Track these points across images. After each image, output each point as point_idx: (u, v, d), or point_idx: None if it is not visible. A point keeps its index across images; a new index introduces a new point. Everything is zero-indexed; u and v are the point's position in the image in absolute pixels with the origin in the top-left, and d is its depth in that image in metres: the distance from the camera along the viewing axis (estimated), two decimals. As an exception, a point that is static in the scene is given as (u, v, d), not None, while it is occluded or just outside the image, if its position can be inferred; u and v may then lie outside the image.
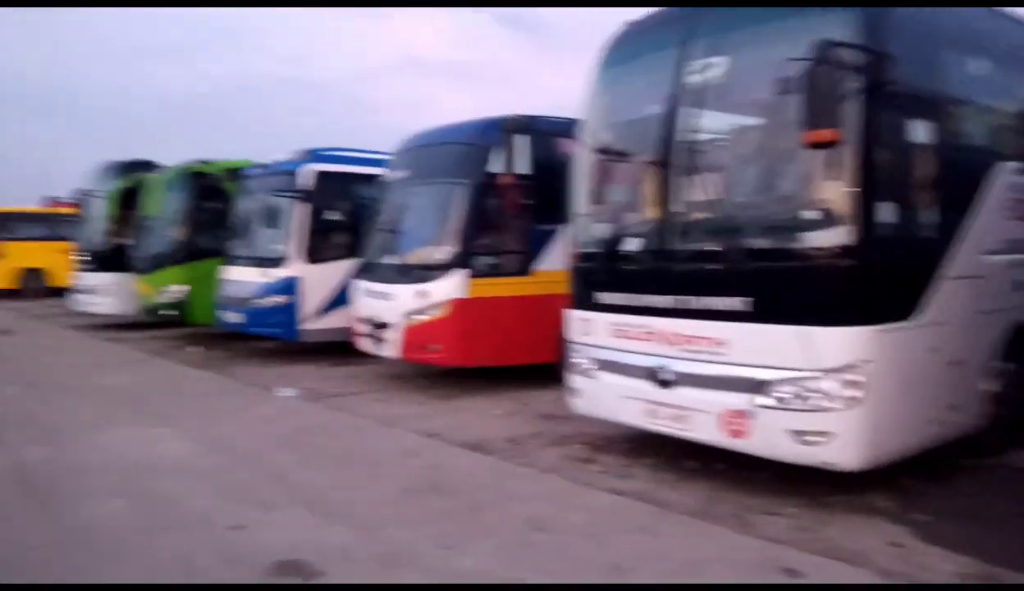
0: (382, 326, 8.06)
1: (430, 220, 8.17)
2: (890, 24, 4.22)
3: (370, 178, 9.50)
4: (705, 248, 4.67)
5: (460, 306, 7.43)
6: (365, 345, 8.52)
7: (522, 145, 7.20)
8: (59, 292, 19.28)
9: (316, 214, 9.88)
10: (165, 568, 3.66)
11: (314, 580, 3.55)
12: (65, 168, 37.18)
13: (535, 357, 7.82)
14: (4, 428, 6.56)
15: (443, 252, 7.61)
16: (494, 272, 7.69)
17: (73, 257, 16.03)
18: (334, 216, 10.04)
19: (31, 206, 24.98)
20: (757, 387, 4.28)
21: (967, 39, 5.03)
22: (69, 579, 3.57)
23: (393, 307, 7.88)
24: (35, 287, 24.05)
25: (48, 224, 23.42)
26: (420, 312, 7.60)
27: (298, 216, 9.78)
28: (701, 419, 4.58)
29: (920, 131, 4.44)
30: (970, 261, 4.60)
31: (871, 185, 4.06)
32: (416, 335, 7.68)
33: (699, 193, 4.79)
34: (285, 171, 10.17)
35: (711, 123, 4.90)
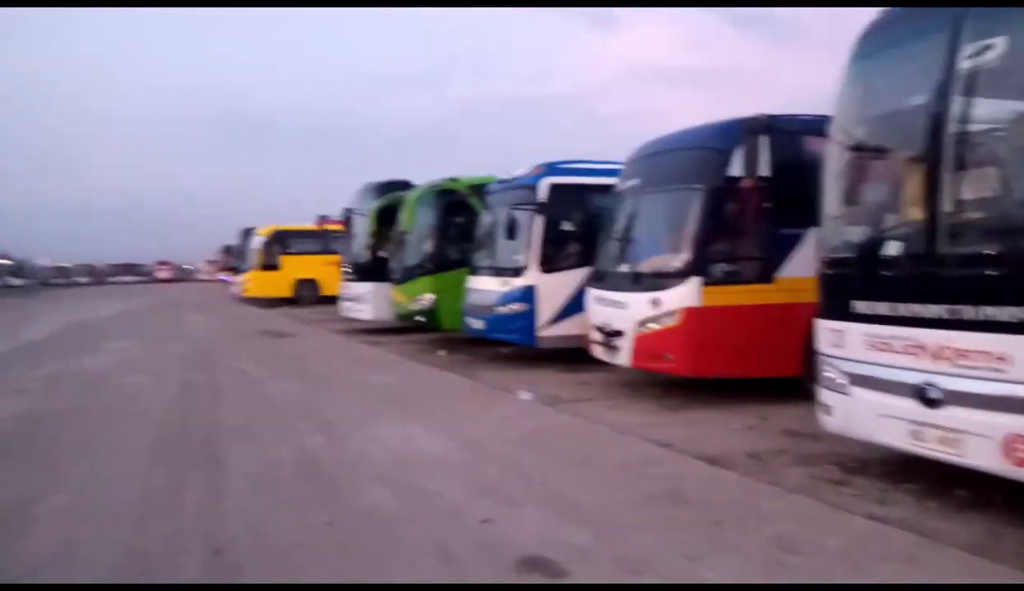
0: (615, 334, 8.13)
1: (663, 227, 8.12)
2: None
3: (603, 188, 9.65)
4: (984, 251, 4.16)
5: (694, 315, 7.27)
6: (598, 352, 8.64)
7: (763, 146, 6.90)
8: (328, 300, 21.74)
9: (552, 225, 10.23)
10: (426, 555, 3.99)
11: (558, 579, 3.67)
12: (336, 190, 42.12)
13: (776, 370, 7.43)
14: (291, 419, 7.54)
15: (676, 260, 7.50)
16: (731, 280, 7.44)
17: (340, 269, 18.06)
18: (568, 226, 10.34)
19: (306, 225, 28.47)
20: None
21: None
22: (344, 561, 4.02)
23: (625, 315, 7.92)
24: (308, 296, 27.41)
25: (319, 240, 26.52)
26: (652, 321, 7.56)
27: (535, 228, 10.19)
28: (977, 443, 4.07)
29: None
30: None
31: None
32: (648, 344, 7.64)
33: (975, 189, 4.28)
34: (523, 185, 10.65)
35: (985, 112, 4.36)
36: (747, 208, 7.24)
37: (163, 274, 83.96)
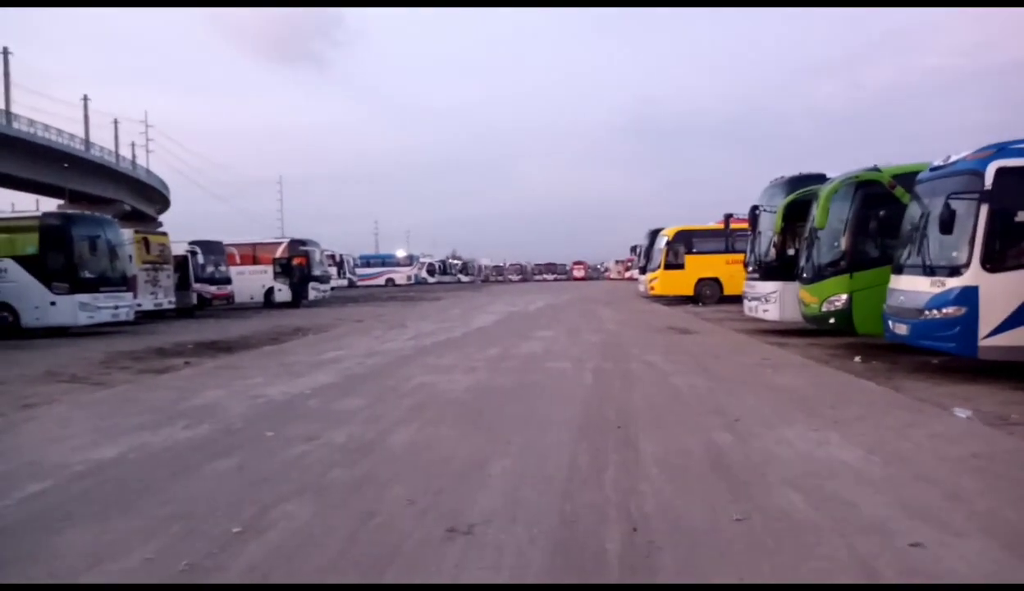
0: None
1: None
2: None
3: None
4: None
5: None
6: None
7: None
8: (730, 300, 21.61)
9: (1001, 216, 8.76)
10: (844, 568, 3.77)
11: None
12: (748, 188, 41.70)
13: None
14: (697, 412, 7.71)
15: None
16: None
17: (744, 268, 17.80)
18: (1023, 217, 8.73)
19: (713, 224, 28.68)
20: None
21: None
22: (756, 558, 4.00)
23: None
24: (710, 294, 27.60)
25: (723, 239, 26.49)
26: None
27: (979, 219, 8.82)
28: None
29: None
30: None
31: None
32: None
33: None
34: (964, 171, 9.30)
35: None
36: None
37: (578, 273, 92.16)
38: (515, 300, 35.14)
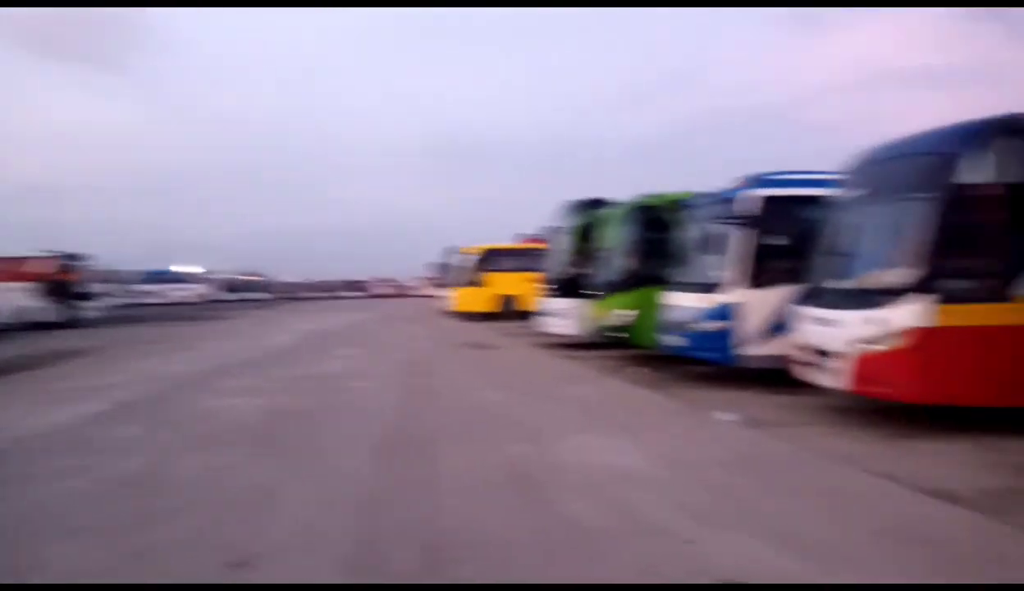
0: (826, 355, 7.66)
1: (887, 240, 7.55)
2: None
3: (816, 200, 9.16)
4: None
5: (924, 335, 6.68)
6: (805, 374, 8.18)
7: (1011, 149, 6.19)
8: (528, 315, 22.44)
9: (757, 239, 9.87)
10: (627, 569, 4.02)
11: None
12: (539, 209, 43.45)
13: (1018, 399, 6.63)
14: (500, 426, 7.89)
15: (904, 274, 6.93)
16: (967, 297, 6.74)
17: (540, 285, 18.60)
18: (776, 240, 9.92)
19: (508, 243, 29.66)
20: None
21: None
22: (549, 566, 4.15)
23: (840, 335, 7.43)
24: (510, 311, 28.45)
25: (522, 258, 27.48)
26: (873, 341, 7.03)
27: (738, 242, 9.88)
28: None
29: None
30: None
31: None
32: (867, 366, 7.12)
33: None
34: (728, 198, 10.38)
35: None
36: (987, 218, 6.56)
37: (381, 290, 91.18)
38: (318, 318, 34.02)
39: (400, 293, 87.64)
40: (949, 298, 6.68)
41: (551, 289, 17.31)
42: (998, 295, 6.70)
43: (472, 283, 29.14)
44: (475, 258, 29.40)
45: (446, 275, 34.05)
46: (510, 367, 13.53)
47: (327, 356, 15.82)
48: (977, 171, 6.45)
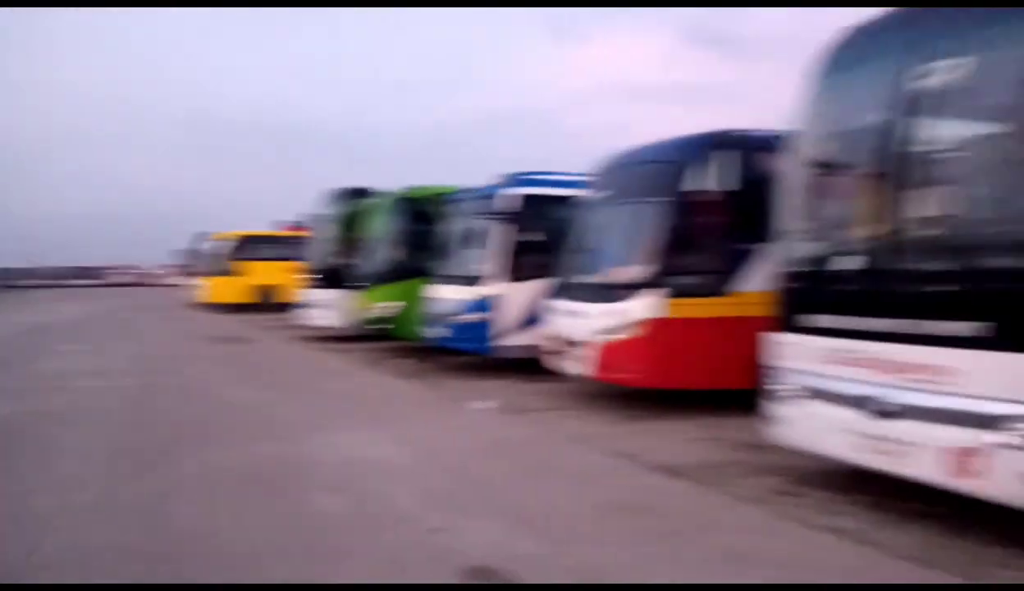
0: (574, 344, 8.14)
1: (626, 239, 8.16)
2: None
3: (569, 200, 9.70)
4: (936, 267, 4.24)
5: (655, 326, 7.32)
6: (555, 363, 8.64)
7: (724, 161, 6.99)
8: (287, 307, 21.45)
9: (516, 235, 10.23)
10: (373, 562, 3.91)
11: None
12: (302, 195, 41.47)
13: (732, 382, 7.50)
14: (247, 424, 7.39)
15: (638, 271, 7.54)
16: (691, 292, 7.50)
17: (299, 275, 17.85)
18: (533, 236, 10.33)
19: (268, 229, 28.13)
20: (993, 423, 3.79)
21: None
22: (286, 566, 3.92)
23: (585, 325, 7.93)
24: (268, 302, 26.98)
25: (282, 246, 26.18)
26: (613, 332, 7.58)
27: (498, 237, 10.18)
28: (922, 455, 4.13)
29: None
30: None
31: None
32: (608, 354, 7.66)
33: (930, 207, 4.38)
34: (488, 195, 10.65)
35: (943, 131, 4.48)
36: (707, 222, 7.32)
37: (123, 278, 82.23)
38: (44, 308, 29.79)
39: (142, 282, 79.83)
40: (677, 293, 7.38)
41: (313, 280, 16.66)
42: (717, 290, 7.53)
43: (226, 272, 27.20)
44: (230, 245, 27.46)
45: (196, 263, 31.50)
46: (265, 362, 12.83)
47: (51, 353, 13.90)
48: (698, 180, 7.19)
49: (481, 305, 10.24)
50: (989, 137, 4.56)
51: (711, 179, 6.81)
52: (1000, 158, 4.38)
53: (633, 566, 3.84)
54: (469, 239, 10.70)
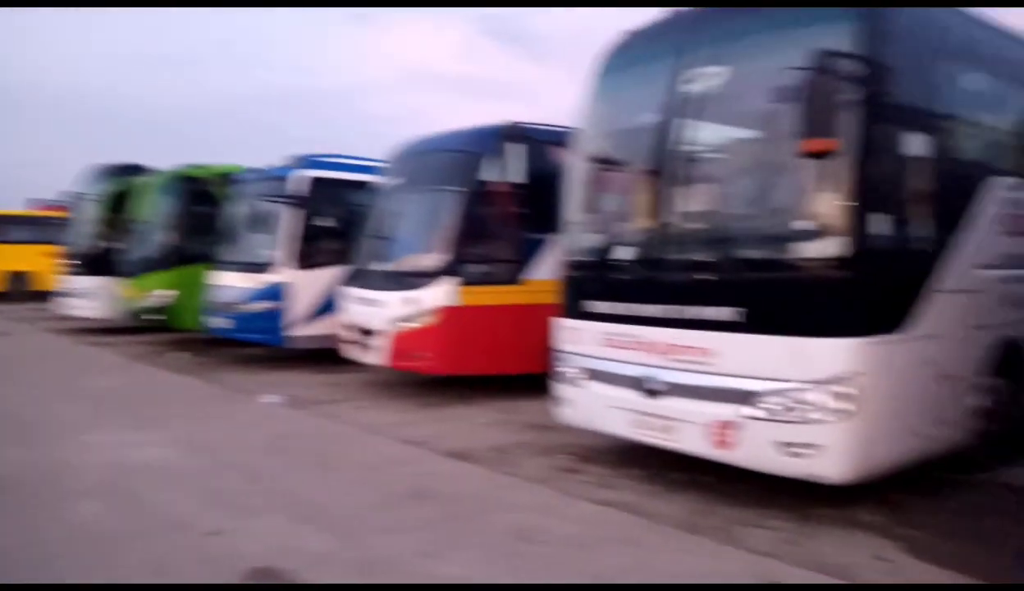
0: (369, 333, 7.99)
1: (421, 227, 8.14)
2: (889, 34, 4.21)
3: (363, 185, 9.48)
4: (697, 258, 4.63)
5: (449, 314, 7.37)
6: (351, 352, 8.44)
7: (517, 153, 7.16)
8: (45, 295, 19.09)
9: (306, 220, 9.81)
10: (136, 573, 3.56)
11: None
12: (55, 171, 36.83)
13: (524, 367, 7.75)
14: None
15: (433, 259, 7.55)
16: (484, 280, 7.64)
17: (59, 260, 15.88)
18: (325, 222, 9.98)
19: (16, 209, 24.80)
20: (746, 398, 4.23)
21: (964, 52, 5.02)
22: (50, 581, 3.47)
23: (381, 314, 7.82)
24: (21, 290, 23.85)
25: (36, 227, 23.21)
26: (408, 319, 7.54)
27: (288, 221, 9.72)
28: (688, 430, 4.52)
29: (915, 144, 4.43)
30: (963, 275, 4.58)
31: (866, 197, 4.03)
32: (404, 343, 7.61)
33: (693, 203, 4.77)
34: (278, 176, 10.11)
35: (707, 133, 4.89)
36: (500, 211, 7.48)
37: None
38: None
39: None
40: (470, 281, 7.48)
41: (75, 265, 14.88)
42: (509, 279, 7.72)
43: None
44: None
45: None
46: (20, 357, 11.30)
47: None
48: (491, 170, 7.32)
49: (270, 293, 9.73)
50: (743, 140, 5.08)
51: (503, 170, 6.94)
52: (750, 160, 4.89)
53: (419, 553, 3.82)
54: (256, 223, 10.11)
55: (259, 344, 10.41)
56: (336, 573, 3.61)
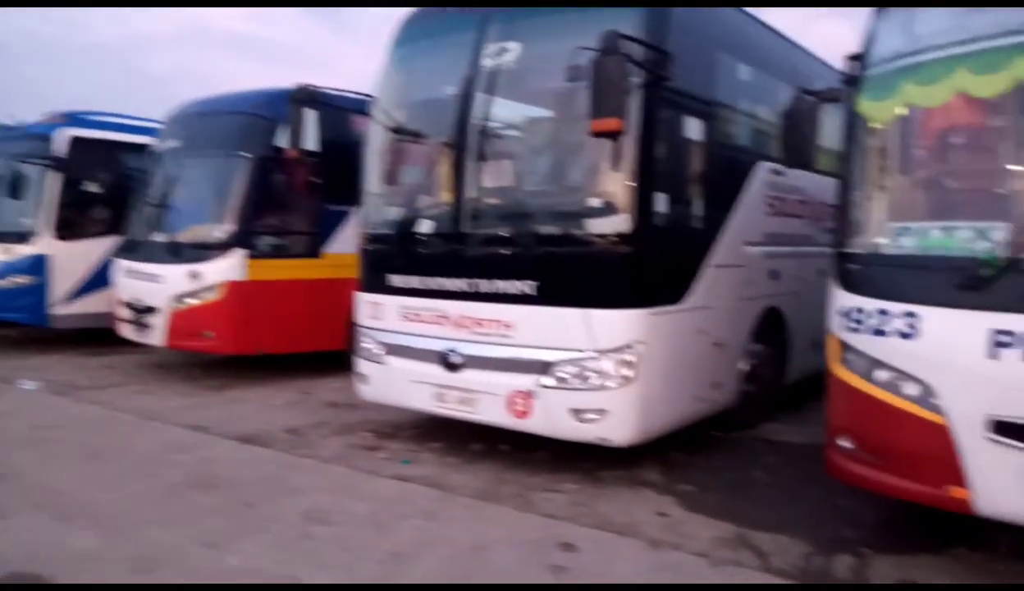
0: (147, 310, 7.30)
1: (206, 195, 7.54)
2: (675, 24, 4.44)
3: (139, 148, 8.59)
4: (493, 232, 4.65)
5: (237, 289, 6.90)
6: (126, 331, 7.68)
7: (312, 120, 6.76)
8: None
9: (71, 185, 8.73)
10: None
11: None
12: None
13: (322, 344, 7.47)
14: None
15: (219, 230, 7.03)
16: (277, 253, 7.25)
17: None
18: (93, 188, 8.93)
19: None
20: (542, 368, 4.34)
21: (740, 47, 5.44)
22: None
23: (160, 290, 7.17)
24: None
25: None
26: (191, 295, 6.98)
27: (47, 186, 8.59)
28: (488, 401, 4.57)
29: (693, 128, 4.73)
30: (732, 251, 5.01)
31: (648, 177, 4.25)
32: (186, 320, 7.03)
33: (489, 178, 4.78)
34: (34, 135, 8.90)
35: (503, 109, 4.89)
36: (295, 181, 7.11)
37: None
38: None
39: None
40: (260, 254, 7.04)
41: None
42: (305, 252, 7.36)
43: None
44: None
45: None
46: None
47: None
48: (282, 136, 6.83)
49: (27, 266, 8.58)
50: (538, 118, 5.18)
51: (297, 136, 6.50)
52: (544, 137, 5.01)
53: (202, 544, 3.55)
54: (9, 187, 8.83)
55: (17, 324, 9.15)
56: (105, 572, 3.25)
